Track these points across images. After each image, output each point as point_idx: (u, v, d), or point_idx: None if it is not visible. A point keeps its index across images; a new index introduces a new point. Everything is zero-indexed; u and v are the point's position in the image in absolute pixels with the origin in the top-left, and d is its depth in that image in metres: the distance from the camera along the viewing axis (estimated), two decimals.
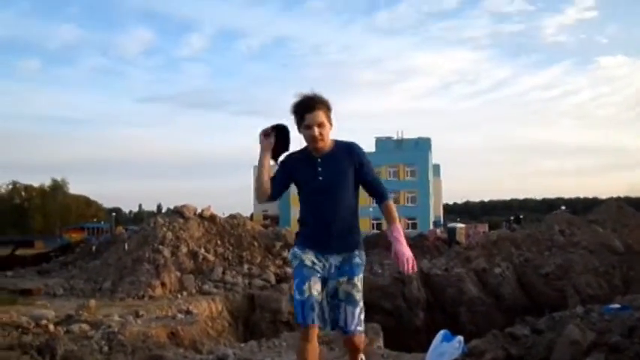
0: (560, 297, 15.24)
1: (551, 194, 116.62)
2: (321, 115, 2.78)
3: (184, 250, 14.17)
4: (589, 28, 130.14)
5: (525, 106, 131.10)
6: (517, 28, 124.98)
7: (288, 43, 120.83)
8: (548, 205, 76.97)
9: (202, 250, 14.42)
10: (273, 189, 2.89)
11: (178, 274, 13.40)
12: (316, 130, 2.76)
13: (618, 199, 30.10)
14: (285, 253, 15.24)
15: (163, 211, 44.84)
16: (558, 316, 6.74)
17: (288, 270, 14.55)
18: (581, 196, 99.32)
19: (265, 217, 50.43)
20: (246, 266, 14.23)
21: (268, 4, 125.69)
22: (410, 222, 49.20)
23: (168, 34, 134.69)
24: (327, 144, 2.85)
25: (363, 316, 2.89)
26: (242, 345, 7.58)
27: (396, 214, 3.01)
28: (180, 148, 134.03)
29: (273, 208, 53.28)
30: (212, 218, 15.86)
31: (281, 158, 2.96)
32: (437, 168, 63.36)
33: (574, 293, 15.62)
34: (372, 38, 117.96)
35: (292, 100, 2.81)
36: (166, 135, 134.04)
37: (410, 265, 2.86)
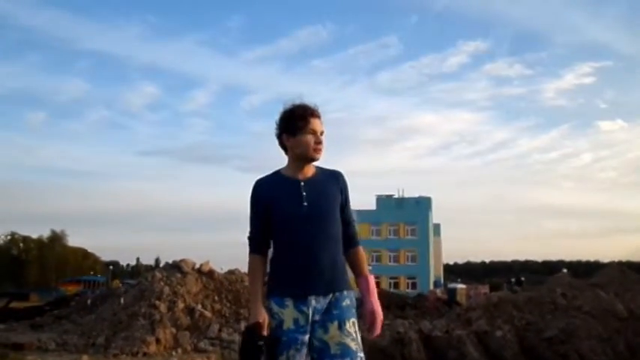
0: None
1: (553, 256, 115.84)
2: (320, 123, 2.45)
3: (181, 305, 13.96)
4: (587, 93, 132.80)
5: (526, 167, 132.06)
6: (516, 92, 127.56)
7: (290, 100, 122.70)
8: (550, 268, 76.36)
9: (199, 306, 14.21)
10: (261, 246, 2.48)
11: (174, 330, 13.15)
12: (321, 138, 2.42)
13: (620, 262, 29.95)
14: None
15: (161, 265, 44.50)
16: None
17: None
18: (583, 259, 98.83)
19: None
20: (243, 323, 13.97)
21: (271, 64, 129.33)
22: (410, 281, 48.71)
23: (173, 90, 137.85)
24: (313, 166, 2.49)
25: None
26: None
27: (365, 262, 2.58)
28: (181, 201, 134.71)
29: None
30: (210, 273, 15.70)
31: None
32: (437, 227, 63.29)
33: (577, 359, 15.27)
34: (373, 98, 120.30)
35: (286, 106, 2.48)
36: (167, 189, 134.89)
37: (379, 329, 2.45)
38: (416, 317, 20.42)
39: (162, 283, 14.67)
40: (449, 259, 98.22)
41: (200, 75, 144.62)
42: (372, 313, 2.41)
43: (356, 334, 2.37)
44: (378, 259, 49.98)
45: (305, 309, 2.34)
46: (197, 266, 15.82)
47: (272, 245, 2.51)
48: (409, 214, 52.98)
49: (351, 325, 2.37)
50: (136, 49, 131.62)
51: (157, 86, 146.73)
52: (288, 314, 2.34)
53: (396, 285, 47.06)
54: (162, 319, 13.26)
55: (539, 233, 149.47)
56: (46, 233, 66.47)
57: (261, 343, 2.31)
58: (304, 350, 2.32)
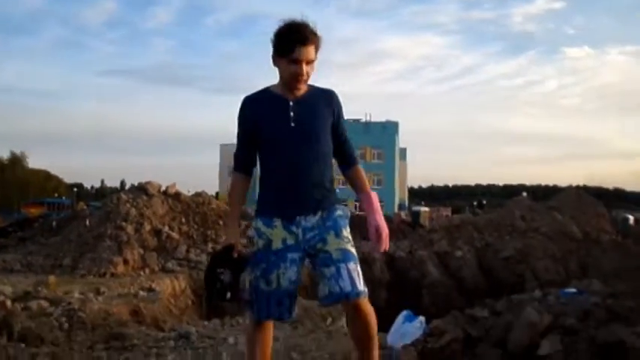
0: (519, 281, 15.64)
1: (514, 181, 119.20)
2: (312, 51, 2.29)
3: (148, 227, 14.00)
4: (557, 18, 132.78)
5: (492, 93, 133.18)
6: (486, 16, 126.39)
7: (259, 20, 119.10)
8: (511, 192, 78.55)
9: (166, 228, 14.27)
10: (246, 164, 2.44)
11: (141, 251, 13.24)
12: (304, 68, 2.29)
13: (578, 187, 30.94)
14: (252, 233, 15.18)
15: (127, 187, 44.21)
16: (516, 299, 6.91)
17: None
18: (543, 183, 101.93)
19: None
20: (210, 245, 14.14)
21: None
22: None
23: (132, 6, 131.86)
24: (306, 85, 2.39)
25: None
26: (205, 323, 7.56)
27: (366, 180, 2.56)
28: (145, 123, 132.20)
29: None
30: (177, 196, 15.69)
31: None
32: (403, 152, 63.97)
33: (532, 277, 16.05)
34: (343, 19, 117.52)
35: (278, 23, 2.30)
36: (131, 110, 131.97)
37: (387, 244, 2.42)
38: None
39: (128, 205, 14.61)
40: (413, 183, 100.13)
41: None
42: (377, 228, 2.39)
43: (352, 240, 2.39)
44: (344, 182, 50.64)
45: (294, 229, 2.34)
46: (163, 189, 15.76)
47: (259, 164, 2.46)
48: (376, 138, 53.21)
49: (347, 232, 2.39)
50: None
51: (115, 1, 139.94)
52: (277, 234, 2.34)
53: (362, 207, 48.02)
54: (130, 241, 13.30)
55: (502, 158, 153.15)
56: (5, 154, 64.87)
57: (220, 270, 2.28)
58: (295, 267, 2.33)
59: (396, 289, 15.58)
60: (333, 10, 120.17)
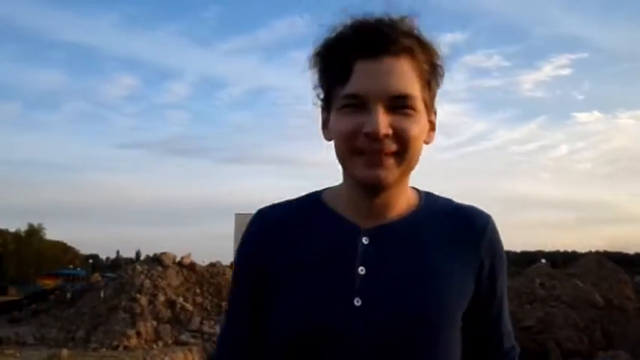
0: (542, 351, 15.13)
1: (531, 247, 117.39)
2: (405, 73, 0.89)
3: (162, 298, 13.89)
4: (564, 84, 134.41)
5: (504, 159, 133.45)
6: (495, 83, 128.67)
7: (270, 93, 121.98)
8: (528, 258, 77.29)
9: (181, 299, 14.15)
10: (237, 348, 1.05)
11: (155, 323, 13.08)
12: (382, 120, 0.87)
13: (597, 253, 30.46)
14: None
15: (142, 258, 44.14)
16: None
17: None
18: (561, 249, 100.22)
19: None
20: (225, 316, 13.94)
21: (250, 55, 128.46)
22: None
23: (150, 81, 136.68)
24: (404, 186, 0.98)
25: None
26: None
27: None
28: (161, 194, 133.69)
29: None
30: (191, 266, 15.64)
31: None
32: None
33: (555, 347, 15.52)
34: None
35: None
36: (147, 181, 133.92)
37: None
38: None
39: (142, 277, 14.57)
40: None
41: (177, 66, 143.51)
42: None
43: None
44: None
45: None
46: (178, 259, 15.75)
47: None
48: None
49: None
50: (112, 40, 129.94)
51: (134, 77, 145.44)
52: None
53: None
54: (143, 313, 13.18)
55: (518, 224, 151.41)
56: (23, 227, 65.59)
57: None
58: None
59: None
60: None
